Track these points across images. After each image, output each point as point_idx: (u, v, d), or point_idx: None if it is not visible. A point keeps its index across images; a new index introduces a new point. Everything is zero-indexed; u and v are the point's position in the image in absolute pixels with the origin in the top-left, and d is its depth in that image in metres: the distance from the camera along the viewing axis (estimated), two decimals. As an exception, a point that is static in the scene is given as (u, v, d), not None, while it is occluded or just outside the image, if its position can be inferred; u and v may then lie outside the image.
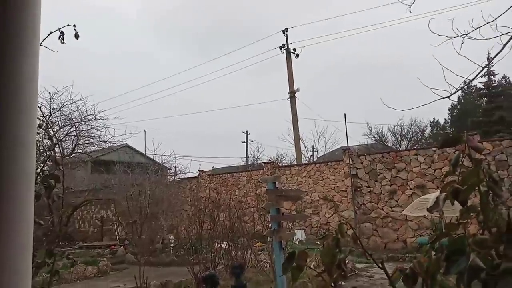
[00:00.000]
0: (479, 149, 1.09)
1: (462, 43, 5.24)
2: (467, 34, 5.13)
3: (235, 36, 57.52)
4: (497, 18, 4.58)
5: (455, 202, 1.09)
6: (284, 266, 1.16)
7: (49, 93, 16.19)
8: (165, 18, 61.31)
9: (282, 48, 23.81)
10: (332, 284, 1.18)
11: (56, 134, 16.58)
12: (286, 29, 23.80)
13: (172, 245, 14.27)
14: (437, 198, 1.11)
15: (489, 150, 13.04)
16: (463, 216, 1.11)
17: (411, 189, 14.33)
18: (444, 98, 5.51)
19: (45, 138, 13.84)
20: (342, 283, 6.41)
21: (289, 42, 23.80)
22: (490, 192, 1.02)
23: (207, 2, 60.92)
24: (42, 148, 12.86)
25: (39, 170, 2.31)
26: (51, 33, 2.36)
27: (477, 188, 1.07)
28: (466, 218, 1.11)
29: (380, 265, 1.32)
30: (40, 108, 15.28)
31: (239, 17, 58.49)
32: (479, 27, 5.03)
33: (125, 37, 62.51)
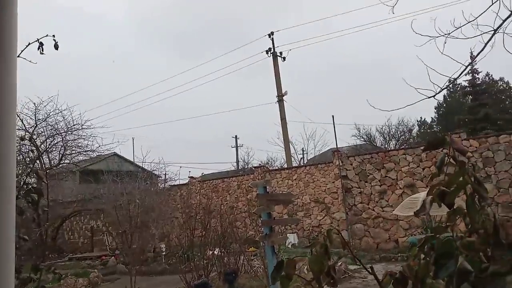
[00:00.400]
0: (463, 152, 1.09)
1: (445, 42, 5.31)
2: (449, 34, 5.20)
3: (224, 40, 57.62)
4: (477, 17, 4.65)
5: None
6: (272, 275, 1.14)
7: (34, 103, 16.03)
8: (152, 23, 61.14)
9: (269, 52, 23.89)
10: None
11: (42, 145, 16.38)
12: (272, 33, 23.89)
13: (163, 253, 14.13)
14: (423, 201, 1.11)
15: (476, 147, 13.21)
16: (450, 218, 1.10)
17: (400, 188, 14.44)
18: (429, 97, 5.57)
19: (31, 150, 13.66)
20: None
21: (277, 46, 23.90)
22: (475, 194, 1.02)
23: (196, 5, 60.98)
24: (28, 160, 12.67)
25: (22, 183, 2.25)
26: (29, 44, 2.31)
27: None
28: (453, 221, 1.10)
29: (370, 270, 1.31)
30: (22, 120, 15.08)
31: (228, 20, 58.64)
32: (460, 27, 5.10)
33: (110, 43, 62.11)
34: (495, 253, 0.95)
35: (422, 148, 14.44)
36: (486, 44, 5.04)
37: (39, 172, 2.08)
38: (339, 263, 9.22)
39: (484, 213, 0.99)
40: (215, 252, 9.30)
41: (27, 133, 14.65)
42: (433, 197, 1.11)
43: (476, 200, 1.06)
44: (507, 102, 31.82)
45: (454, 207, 1.09)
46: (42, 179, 2.04)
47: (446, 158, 1.12)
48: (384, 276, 1.25)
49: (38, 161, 14.86)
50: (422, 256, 1.14)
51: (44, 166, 15.55)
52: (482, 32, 5.02)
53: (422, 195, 9.24)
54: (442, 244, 1.04)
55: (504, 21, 4.85)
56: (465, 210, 1.04)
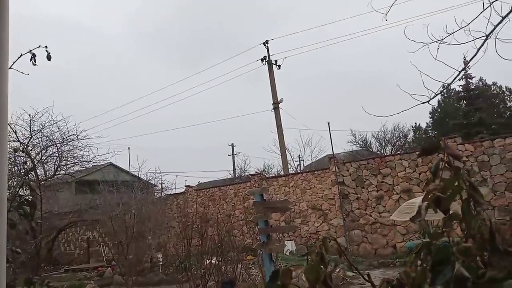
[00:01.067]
0: (457, 157, 1.09)
1: (438, 48, 5.36)
2: (442, 40, 5.25)
3: (220, 49, 57.85)
4: (469, 23, 4.70)
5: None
6: (268, 285, 1.12)
7: (29, 115, 15.96)
8: (149, 34, 61.32)
9: (264, 60, 23.99)
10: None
11: (37, 156, 16.28)
12: (267, 41, 24.03)
13: (160, 263, 14.01)
14: (419, 207, 1.10)
15: (471, 151, 13.27)
16: (446, 224, 1.10)
17: (397, 193, 14.45)
18: (423, 103, 5.60)
19: (24, 162, 13.57)
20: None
21: (272, 54, 24.00)
22: (471, 199, 1.01)
23: (192, 15, 61.32)
24: (23, 171, 12.57)
25: (15, 195, 2.23)
26: (21, 55, 2.30)
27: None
28: (449, 226, 1.10)
29: (367, 278, 1.30)
30: (16, 132, 15.01)
31: (224, 29, 58.96)
32: (453, 32, 5.15)
33: (107, 53, 62.20)
34: (492, 258, 0.94)
35: (417, 153, 14.48)
36: (478, 49, 5.09)
37: (32, 184, 2.06)
38: (337, 270, 9.18)
39: (480, 218, 0.99)
40: (212, 261, 9.23)
41: (21, 144, 14.57)
42: (429, 203, 1.10)
43: (472, 205, 1.06)
44: (500, 107, 32.10)
45: (450, 213, 1.09)
46: (34, 191, 2.02)
47: (441, 163, 1.12)
48: (381, 284, 1.24)
49: (33, 173, 14.76)
50: (419, 262, 1.13)
51: (39, 177, 15.44)
52: (474, 38, 5.07)
53: (418, 200, 9.25)
54: (439, 250, 1.03)
55: (495, 26, 4.90)
56: (461, 216, 1.04)
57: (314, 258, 1.14)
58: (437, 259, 1.02)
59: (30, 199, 2.14)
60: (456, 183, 1.04)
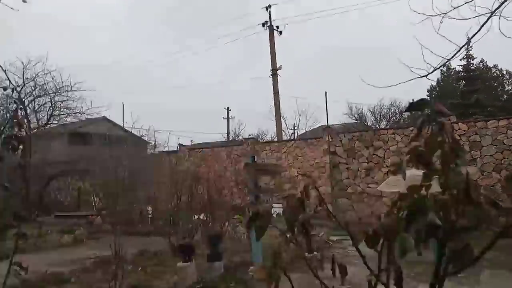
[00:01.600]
0: (444, 113, 1.10)
1: (441, 22, 5.26)
2: (446, 13, 5.14)
3: (220, 12, 56.32)
4: (476, -3, 4.61)
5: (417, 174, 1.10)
6: (247, 224, 1.16)
7: (22, 62, 15.64)
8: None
9: (265, 25, 23.41)
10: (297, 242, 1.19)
11: (30, 105, 16.12)
12: (269, 6, 23.37)
13: (150, 216, 14.26)
14: (400, 159, 1.13)
15: (464, 130, 13.35)
16: (426, 178, 1.12)
17: (387, 166, 14.62)
18: (422, 76, 5.57)
19: (14, 101, 13.42)
20: (315, 252, 6.59)
21: (272, 20, 23.42)
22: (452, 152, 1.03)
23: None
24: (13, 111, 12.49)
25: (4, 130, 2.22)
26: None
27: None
28: (428, 180, 1.12)
29: (344, 227, 1.35)
30: (7, 76, 14.72)
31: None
32: (458, 7, 5.05)
33: (103, 5, 60.32)
34: (466, 209, 0.98)
35: (411, 128, 14.55)
36: (482, 25, 5.00)
37: (20, 120, 2.05)
38: (321, 234, 9.44)
39: (458, 171, 1.01)
40: (200, 217, 9.41)
41: (14, 89, 14.37)
42: (411, 157, 1.12)
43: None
44: (498, 90, 32.03)
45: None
46: (22, 126, 2.01)
47: (426, 120, 1.13)
48: (357, 234, 1.28)
49: (25, 120, 14.66)
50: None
51: (31, 126, 15.35)
52: (479, 14, 4.96)
53: (408, 172, 9.39)
54: (415, 201, 1.06)
55: (502, 3, 4.79)
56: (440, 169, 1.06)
57: (295, 202, 1.17)
58: (412, 209, 1.06)
59: (16, 135, 2.14)
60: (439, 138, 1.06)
